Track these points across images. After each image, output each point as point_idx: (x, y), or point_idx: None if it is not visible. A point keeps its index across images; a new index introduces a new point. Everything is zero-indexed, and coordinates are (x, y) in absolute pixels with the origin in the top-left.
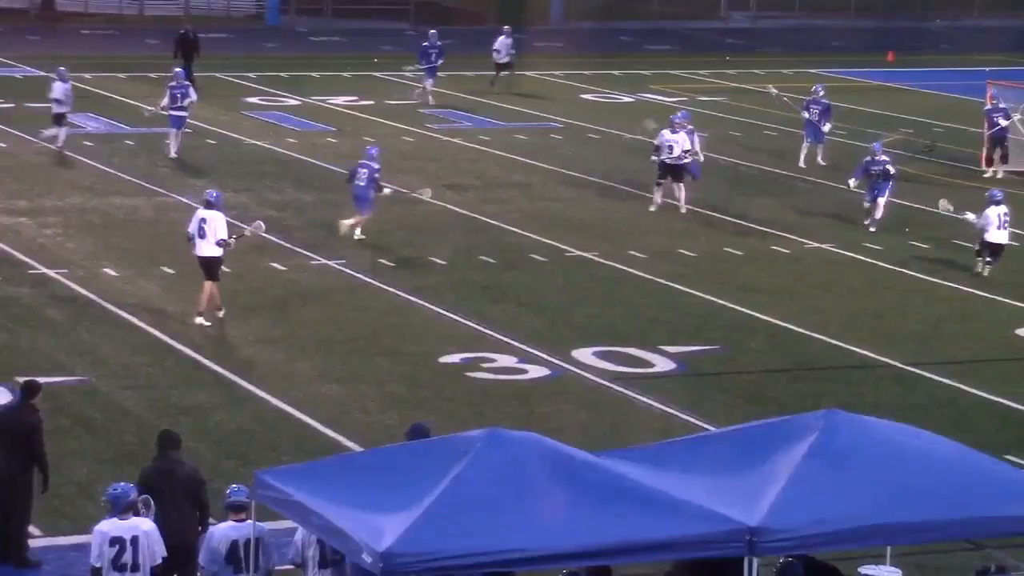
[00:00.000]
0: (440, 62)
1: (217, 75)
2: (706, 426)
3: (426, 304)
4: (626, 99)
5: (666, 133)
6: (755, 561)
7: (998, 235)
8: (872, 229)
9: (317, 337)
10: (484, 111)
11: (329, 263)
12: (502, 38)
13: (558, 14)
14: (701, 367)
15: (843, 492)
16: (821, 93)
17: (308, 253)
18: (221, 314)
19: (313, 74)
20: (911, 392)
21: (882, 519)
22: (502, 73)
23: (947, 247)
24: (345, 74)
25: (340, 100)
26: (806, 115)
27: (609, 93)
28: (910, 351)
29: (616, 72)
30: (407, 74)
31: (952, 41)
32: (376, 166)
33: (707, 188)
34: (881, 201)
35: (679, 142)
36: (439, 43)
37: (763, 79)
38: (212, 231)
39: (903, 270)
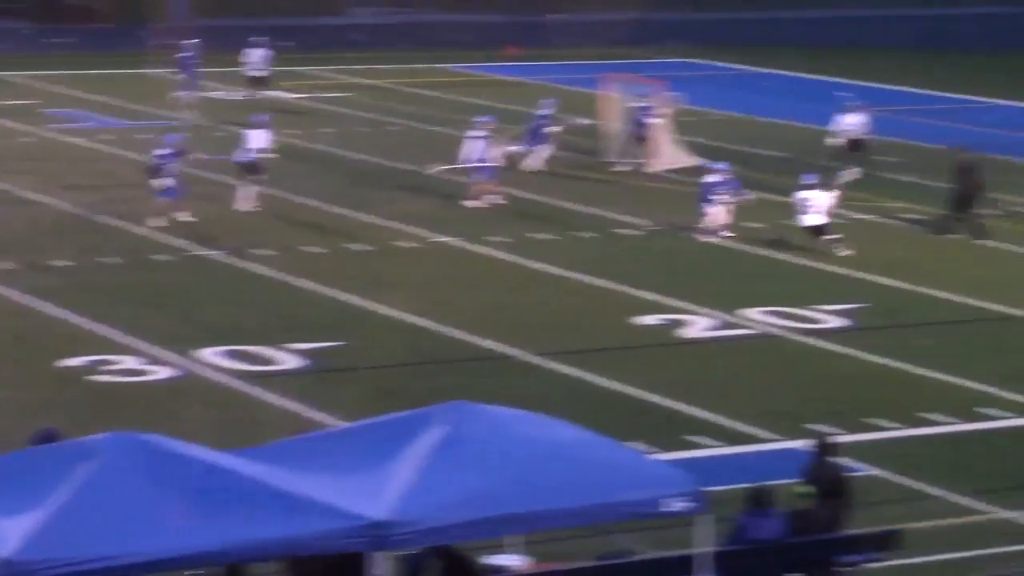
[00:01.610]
0: (198, 70)
1: None
2: (335, 422)
3: (47, 307)
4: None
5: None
6: (382, 555)
7: (812, 219)
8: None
9: None
10: (108, 110)
11: None
12: (254, 50)
13: (181, 10)
14: (329, 363)
15: (471, 483)
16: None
17: None
18: None
19: None
20: (537, 382)
21: (510, 508)
22: (259, 89)
23: (570, 238)
24: None
25: None
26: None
27: (236, 90)
28: (535, 341)
29: (242, 69)
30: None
31: (568, 35)
32: None
33: (333, 184)
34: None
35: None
36: (192, 52)
37: (388, 75)
38: None
39: (527, 262)
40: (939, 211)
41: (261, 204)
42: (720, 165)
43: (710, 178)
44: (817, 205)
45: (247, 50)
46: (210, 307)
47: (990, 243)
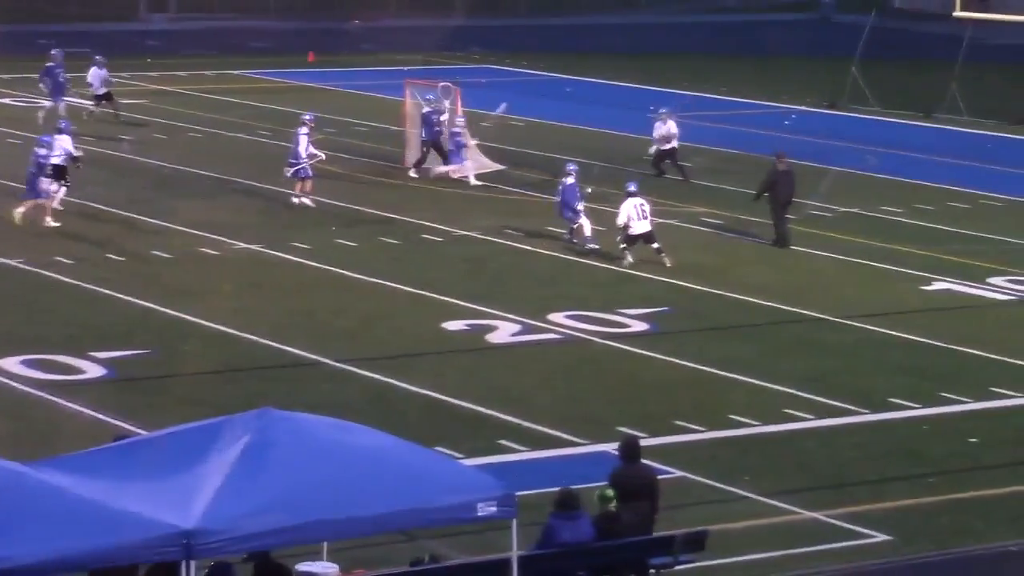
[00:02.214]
0: (65, 81)
1: None
2: (139, 431)
3: None
4: (45, 102)
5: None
6: (192, 564)
7: (639, 226)
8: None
9: None
10: None
11: None
12: (94, 69)
13: None
14: (132, 372)
15: (279, 489)
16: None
17: None
18: None
19: None
20: (344, 389)
21: (318, 514)
22: (103, 104)
23: (375, 244)
24: None
25: None
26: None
27: (29, 97)
28: (341, 348)
29: (35, 75)
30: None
31: (371, 41)
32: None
33: (133, 191)
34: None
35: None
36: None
37: (185, 80)
38: None
39: (332, 268)
40: (747, 218)
41: (63, 210)
42: (573, 166)
43: (569, 180)
44: (648, 211)
45: (92, 69)
46: (9, 316)
47: (793, 248)
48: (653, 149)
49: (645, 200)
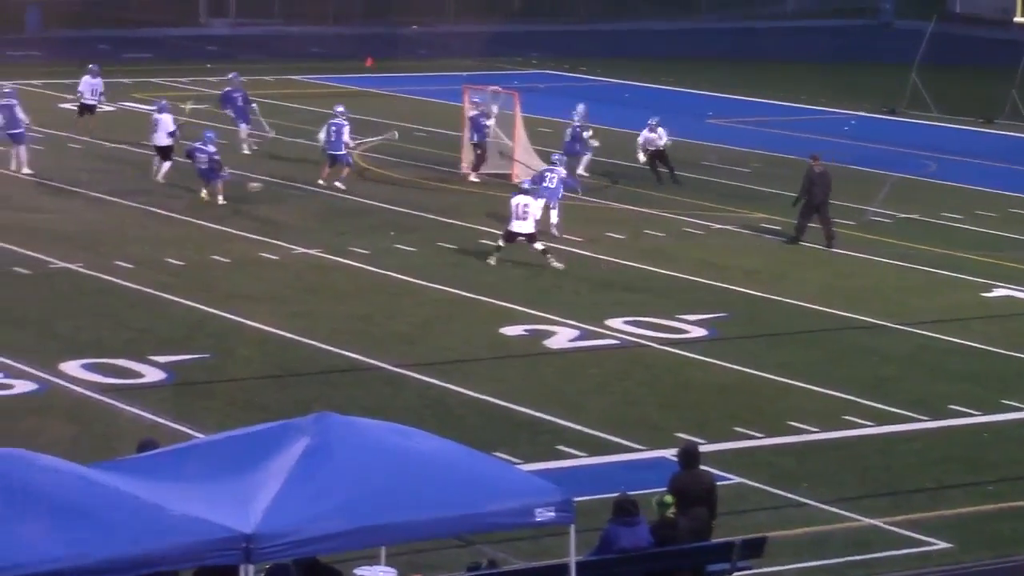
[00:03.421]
0: (254, 105)
1: None
2: (197, 435)
3: None
4: (107, 108)
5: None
6: (251, 568)
7: (516, 225)
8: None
9: None
10: None
11: None
12: (87, 78)
13: (34, 22)
14: (191, 376)
15: (337, 494)
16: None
17: None
18: None
19: None
20: (401, 393)
21: (376, 519)
22: (85, 116)
23: (431, 247)
24: None
25: None
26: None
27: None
28: (399, 353)
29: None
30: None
31: (429, 46)
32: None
33: (192, 195)
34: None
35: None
36: (243, 88)
37: (244, 86)
38: None
39: (390, 273)
40: (792, 221)
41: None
42: (558, 156)
43: (560, 172)
44: (533, 212)
45: (84, 77)
46: (70, 320)
47: (849, 252)
48: (642, 158)
49: (534, 200)
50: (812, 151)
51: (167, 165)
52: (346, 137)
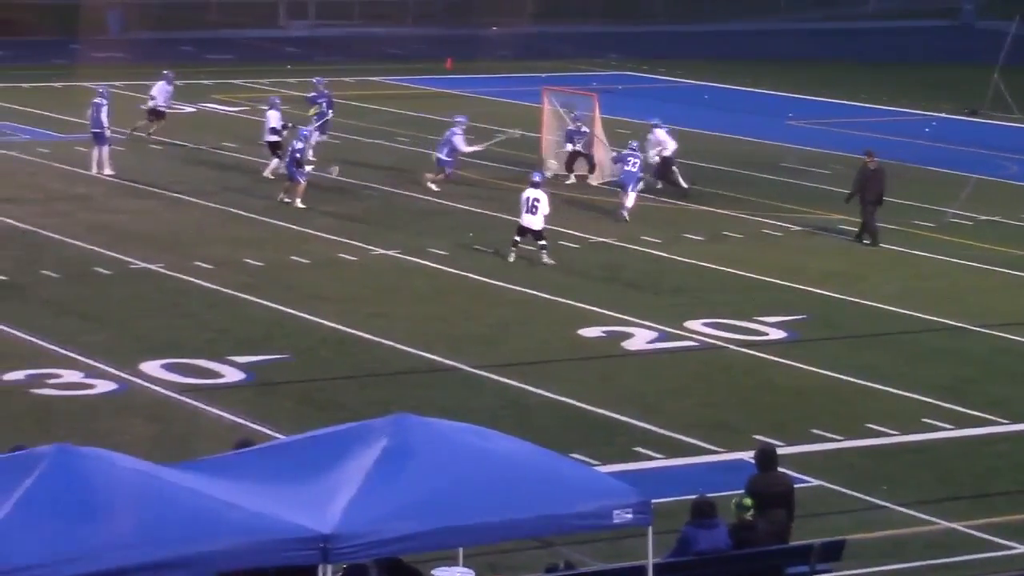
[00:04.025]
0: (331, 113)
1: None
2: (276, 435)
3: None
4: (188, 109)
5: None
6: (329, 568)
7: (527, 219)
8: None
9: None
10: (43, 123)
11: None
12: (163, 84)
13: (116, 24)
14: (270, 376)
15: (415, 495)
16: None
17: None
18: None
19: None
20: (479, 394)
21: (453, 520)
22: (152, 120)
23: (509, 249)
24: None
25: None
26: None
27: (170, 104)
28: (477, 354)
29: (178, 83)
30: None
31: (508, 48)
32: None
33: (270, 197)
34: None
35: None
36: (327, 92)
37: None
38: None
39: (467, 274)
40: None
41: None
42: (636, 143)
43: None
44: (543, 207)
45: (157, 83)
46: (150, 320)
47: (929, 254)
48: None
49: (544, 194)
50: (866, 147)
51: (275, 161)
52: (458, 144)
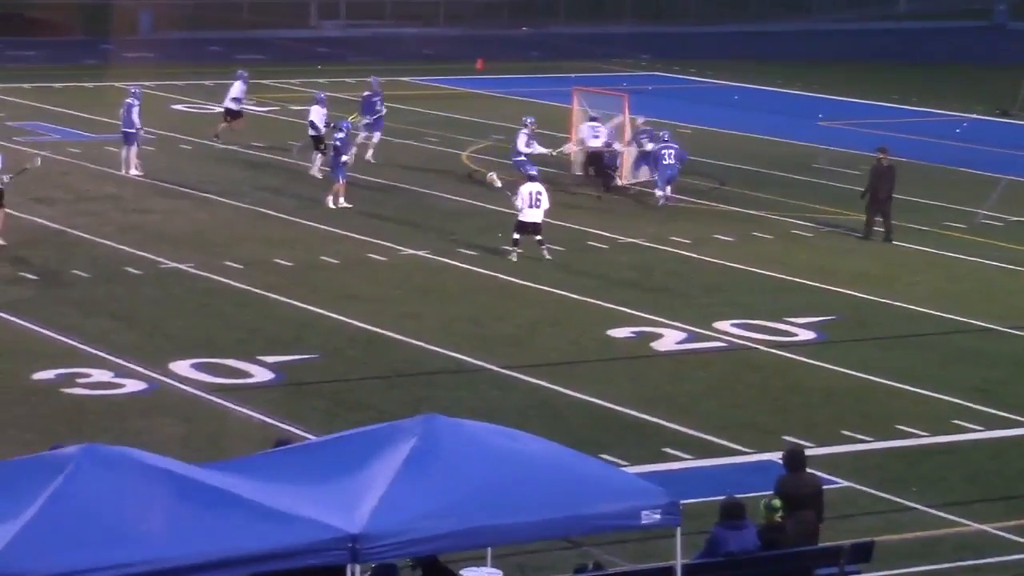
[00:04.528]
0: (384, 111)
1: None
2: (306, 435)
3: (16, 319)
4: (217, 109)
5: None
6: (358, 568)
7: (530, 214)
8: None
9: None
10: (73, 123)
11: None
12: (239, 83)
13: (147, 24)
14: (300, 376)
15: (443, 495)
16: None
17: None
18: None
19: None
20: (508, 395)
21: (482, 520)
22: (229, 121)
23: (538, 249)
24: None
25: None
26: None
27: (200, 104)
28: (506, 355)
29: (208, 82)
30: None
31: (539, 48)
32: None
33: (301, 197)
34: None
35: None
36: (381, 91)
37: (355, 88)
38: None
39: (498, 274)
40: (911, 226)
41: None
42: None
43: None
44: (545, 201)
45: (236, 83)
46: (180, 320)
47: (959, 255)
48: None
49: (544, 189)
50: (879, 144)
51: (317, 157)
52: (520, 145)
